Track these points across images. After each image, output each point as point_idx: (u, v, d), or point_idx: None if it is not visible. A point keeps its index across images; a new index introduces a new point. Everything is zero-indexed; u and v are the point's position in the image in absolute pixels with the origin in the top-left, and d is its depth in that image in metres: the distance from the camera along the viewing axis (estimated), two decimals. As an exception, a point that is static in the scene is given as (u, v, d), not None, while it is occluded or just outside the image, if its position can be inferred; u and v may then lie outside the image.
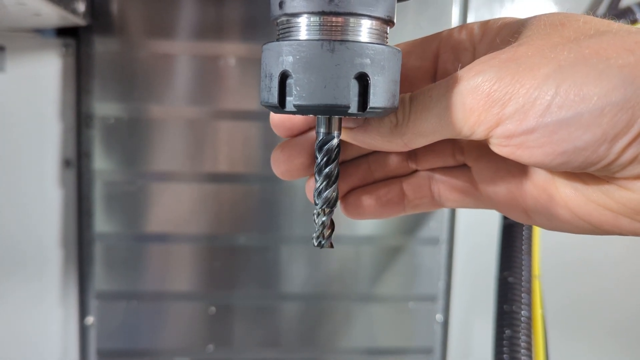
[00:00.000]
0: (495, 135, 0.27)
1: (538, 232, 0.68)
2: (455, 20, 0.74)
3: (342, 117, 0.31)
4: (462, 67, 0.28)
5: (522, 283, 0.64)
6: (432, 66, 0.34)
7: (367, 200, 0.38)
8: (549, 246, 0.71)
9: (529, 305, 0.63)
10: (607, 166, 0.26)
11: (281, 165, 0.35)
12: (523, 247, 0.66)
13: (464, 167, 0.37)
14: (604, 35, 0.26)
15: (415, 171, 0.38)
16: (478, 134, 0.28)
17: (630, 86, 0.24)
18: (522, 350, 0.60)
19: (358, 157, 0.38)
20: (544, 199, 0.32)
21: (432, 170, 0.38)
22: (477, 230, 0.78)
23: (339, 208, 0.37)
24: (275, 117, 0.35)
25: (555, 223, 0.32)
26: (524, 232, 0.66)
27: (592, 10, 0.76)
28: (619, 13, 0.74)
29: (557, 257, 0.76)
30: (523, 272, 0.64)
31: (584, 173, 0.29)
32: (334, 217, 0.33)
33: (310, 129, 0.35)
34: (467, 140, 0.35)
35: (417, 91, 0.30)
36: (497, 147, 0.28)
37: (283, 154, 0.35)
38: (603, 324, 0.83)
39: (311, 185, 0.35)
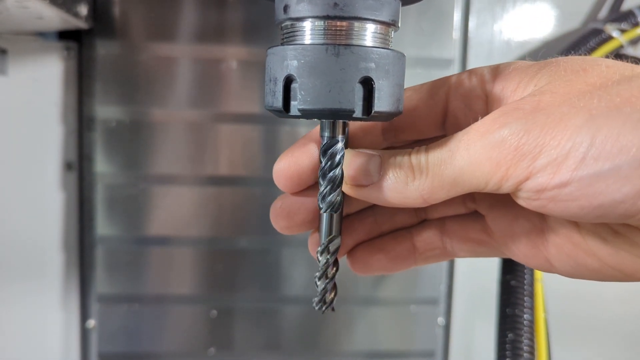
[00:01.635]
0: (524, 189, 0.26)
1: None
2: (457, 23, 0.74)
3: (354, 165, 0.30)
4: (479, 117, 0.27)
5: (525, 286, 0.64)
6: (441, 113, 0.33)
7: (376, 255, 0.36)
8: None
9: (532, 308, 0.63)
10: None
11: (280, 222, 0.34)
12: (525, 250, 0.66)
13: (476, 214, 0.35)
14: (632, 81, 0.25)
15: (424, 220, 0.37)
16: (506, 189, 0.27)
17: None
18: (525, 354, 0.60)
19: (363, 210, 0.37)
20: (569, 249, 0.31)
21: (443, 219, 0.36)
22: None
23: (344, 264, 0.35)
24: (279, 172, 0.33)
25: (582, 272, 0.31)
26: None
27: (593, 13, 0.76)
28: (620, 16, 0.74)
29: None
30: (525, 276, 0.64)
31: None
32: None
33: (311, 186, 0.34)
34: None
35: (434, 144, 0.29)
36: (525, 201, 0.27)
37: (282, 210, 0.34)
38: (606, 328, 0.82)
39: (314, 240, 0.34)
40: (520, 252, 0.33)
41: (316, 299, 0.32)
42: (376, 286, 0.77)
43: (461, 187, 0.28)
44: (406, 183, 0.29)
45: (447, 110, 0.33)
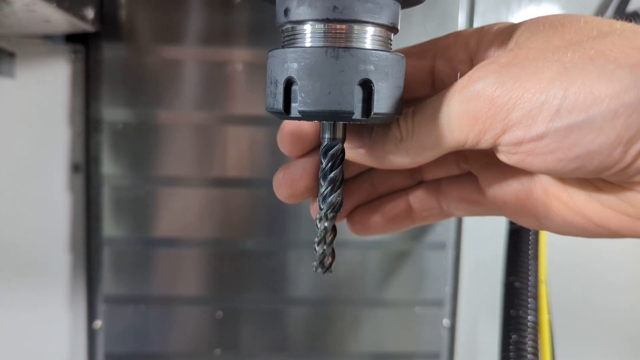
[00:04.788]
0: (502, 143, 0.27)
1: (544, 237, 0.68)
2: (461, 24, 0.74)
3: (347, 128, 0.31)
4: (459, 76, 0.28)
5: (529, 288, 0.64)
6: (429, 75, 0.34)
7: (374, 217, 0.37)
8: (555, 251, 0.70)
9: (536, 310, 0.63)
10: (623, 170, 0.25)
11: (284, 190, 0.35)
12: (529, 251, 0.66)
13: (470, 175, 0.36)
14: (608, 36, 0.26)
15: (421, 182, 0.38)
16: (485, 143, 0.27)
17: None
18: (529, 356, 0.60)
19: (360, 174, 0.37)
20: (555, 207, 0.31)
21: (438, 180, 0.37)
22: (484, 235, 0.77)
23: (341, 230, 0.36)
24: (285, 132, 0.34)
25: (569, 229, 0.31)
26: (530, 237, 0.66)
27: (598, 14, 0.76)
28: (625, 18, 0.73)
29: (563, 262, 0.76)
30: (529, 277, 0.64)
31: (597, 179, 0.29)
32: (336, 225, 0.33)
33: (313, 149, 0.35)
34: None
35: (420, 104, 0.29)
36: (505, 156, 0.28)
37: (285, 179, 0.35)
38: (610, 329, 0.82)
39: (316, 207, 0.35)
40: (510, 211, 0.34)
41: (315, 263, 0.33)
42: (381, 288, 0.77)
43: (444, 144, 0.28)
44: (395, 144, 0.30)
45: (434, 74, 0.34)
